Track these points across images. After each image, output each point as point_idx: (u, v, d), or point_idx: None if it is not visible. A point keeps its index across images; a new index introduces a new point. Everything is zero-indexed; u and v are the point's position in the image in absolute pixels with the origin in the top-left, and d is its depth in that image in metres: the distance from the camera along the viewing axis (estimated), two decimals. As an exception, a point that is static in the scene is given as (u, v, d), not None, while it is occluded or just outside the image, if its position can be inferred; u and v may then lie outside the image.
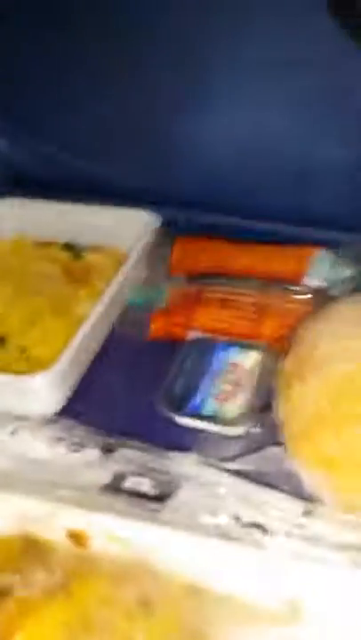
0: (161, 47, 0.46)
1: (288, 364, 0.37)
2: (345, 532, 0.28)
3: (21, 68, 0.51)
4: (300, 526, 0.28)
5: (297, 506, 0.30)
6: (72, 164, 0.55)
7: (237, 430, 0.38)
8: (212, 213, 0.53)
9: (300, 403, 0.33)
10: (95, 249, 0.52)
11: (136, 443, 0.36)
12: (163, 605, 0.25)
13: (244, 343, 0.43)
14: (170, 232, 0.52)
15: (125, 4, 0.45)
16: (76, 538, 0.27)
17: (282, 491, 0.31)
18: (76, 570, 0.27)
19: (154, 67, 0.48)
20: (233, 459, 0.36)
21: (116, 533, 0.27)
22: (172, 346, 0.45)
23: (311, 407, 0.33)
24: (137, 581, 0.26)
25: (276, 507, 0.30)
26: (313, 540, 0.27)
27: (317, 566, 0.25)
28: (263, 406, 0.38)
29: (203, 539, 0.26)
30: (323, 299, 0.43)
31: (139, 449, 0.35)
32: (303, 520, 0.29)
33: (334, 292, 0.44)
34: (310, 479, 0.32)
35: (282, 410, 0.35)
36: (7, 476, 0.32)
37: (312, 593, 0.25)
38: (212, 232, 0.52)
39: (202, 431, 0.39)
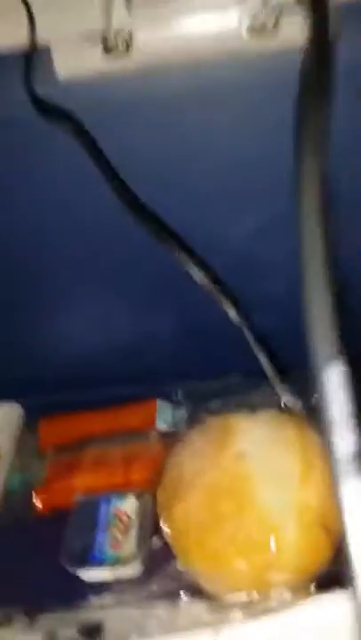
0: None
1: (163, 493, 0.45)
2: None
3: None
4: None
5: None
6: None
7: (136, 567, 0.45)
8: (63, 393, 0.61)
9: (183, 518, 0.42)
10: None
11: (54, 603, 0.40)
12: None
13: (121, 493, 0.51)
14: (30, 416, 0.59)
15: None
16: None
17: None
18: None
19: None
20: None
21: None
22: (60, 514, 0.50)
23: (194, 517, 0.41)
24: None
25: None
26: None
27: None
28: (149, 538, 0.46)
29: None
30: (172, 437, 0.53)
31: (59, 607, 0.40)
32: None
33: (179, 429, 0.54)
34: (204, 576, 0.40)
35: (169, 531, 0.43)
36: None
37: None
38: (65, 408, 0.60)
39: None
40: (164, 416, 0.58)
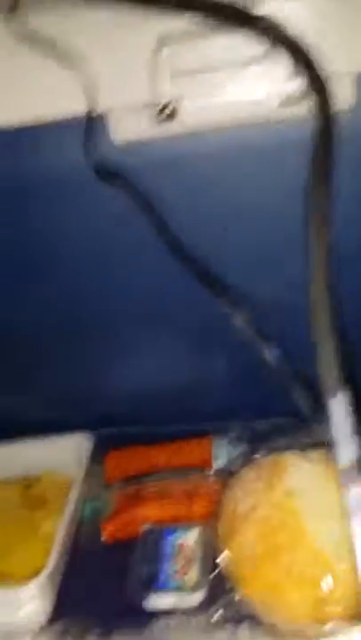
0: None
1: (221, 526, 0.48)
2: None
3: None
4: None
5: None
6: (17, 413, 0.66)
7: (198, 596, 0.47)
8: (127, 427, 0.65)
9: (240, 550, 0.44)
10: (44, 475, 0.62)
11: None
12: None
13: (185, 525, 0.54)
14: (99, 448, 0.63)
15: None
16: None
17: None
18: None
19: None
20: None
21: None
22: (127, 543, 0.54)
23: (250, 550, 0.44)
24: None
25: None
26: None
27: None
28: (212, 570, 0.48)
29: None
30: (228, 473, 0.55)
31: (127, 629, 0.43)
32: None
33: (234, 466, 0.57)
34: (262, 606, 0.42)
35: (228, 562, 0.46)
36: None
37: None
38: (128, 442, 0.64)
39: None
40: (219, 453, 0.61)
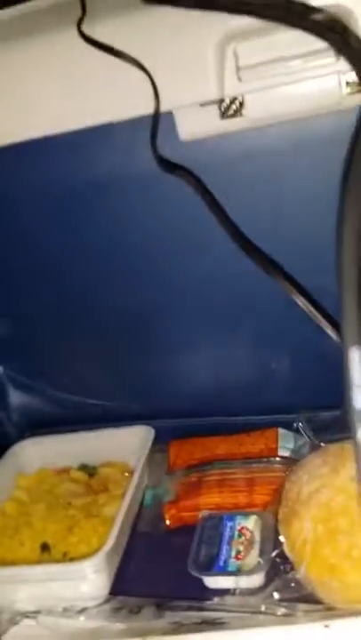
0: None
1: (282, 510, 0.49)
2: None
3: (36, 332, 0.68)
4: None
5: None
6: (80, 404, 0.69)
7: (258, 578, 0.48)
8: (191, 418, 0.67)
9: (301, 532, 0.45)
10: (106, 464, 0.65)
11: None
12: None
13: (245, 512, 0.55)
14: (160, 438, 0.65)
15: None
16: None
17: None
18: None
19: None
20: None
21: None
22: (187, 529, 0.55)
23: (311, 532, 0.44)
24: None
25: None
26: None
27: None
28: (271, 554, 0.49)
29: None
30: (292, 462, 0.56)
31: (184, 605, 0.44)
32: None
33: (298, 456, 0.57)
34: (320, 587, 0.42)
35: (288, 545, 0.46)
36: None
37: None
38: (193, 432, 0.65)
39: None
40: (286, 443, 0.61)
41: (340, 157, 0.46)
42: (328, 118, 0.48)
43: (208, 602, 0.45)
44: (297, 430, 0.61)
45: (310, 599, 0.44)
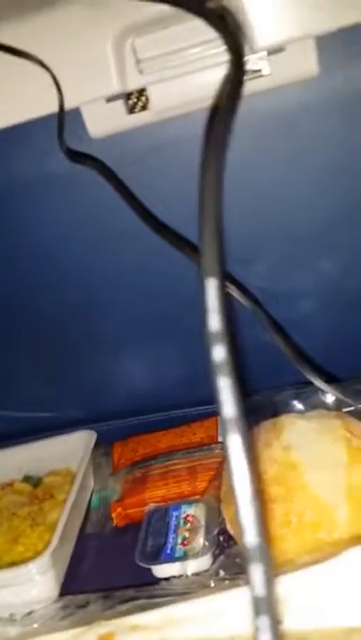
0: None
1: (223, 491, 0.49)
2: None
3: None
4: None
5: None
6: (23, 418, 0.69)
7: (205, 561, 0.48)
8: (134, 417, 0.67)
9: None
10: (51, 472, 0.64)
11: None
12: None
13: (189, 500, 0.55)
14: (106, 441, 0.65)
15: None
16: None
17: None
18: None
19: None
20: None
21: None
22: (134, 526, 0.55)
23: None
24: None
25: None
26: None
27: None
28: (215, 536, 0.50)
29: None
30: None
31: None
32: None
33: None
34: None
35: (229, 521, 0.47)
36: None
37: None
38: (139, 432, 0.66)
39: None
40: (225, 430, 0.62)
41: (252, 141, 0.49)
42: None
43: (155, 586, 0.44)
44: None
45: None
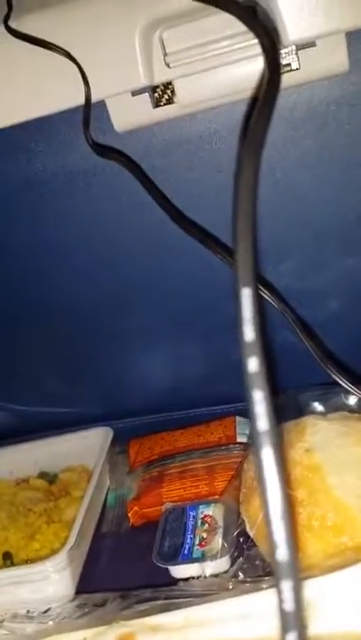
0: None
1: (243, 490, 0.48)
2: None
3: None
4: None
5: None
6: (39, 413, 0.69)
7: (223, 563, 0.48)
8: (151, 416, 0.66)
9: (259, 511, 0.45)
10: (67, 469, 0.63)
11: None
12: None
13: (207, 500, 0.54)
14: (122, 440, 0.65)
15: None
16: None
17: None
18: None
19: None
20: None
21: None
22: (151, 525, 0.54)
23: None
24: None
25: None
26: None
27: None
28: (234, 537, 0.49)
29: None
30: (249, 448, 0.56)
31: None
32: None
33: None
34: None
35: (249, 524, 0.46)
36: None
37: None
38: (155, 430, 0.65)
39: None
40: (244, 430, 0.61)
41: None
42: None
43: (174, 587, 0.44)
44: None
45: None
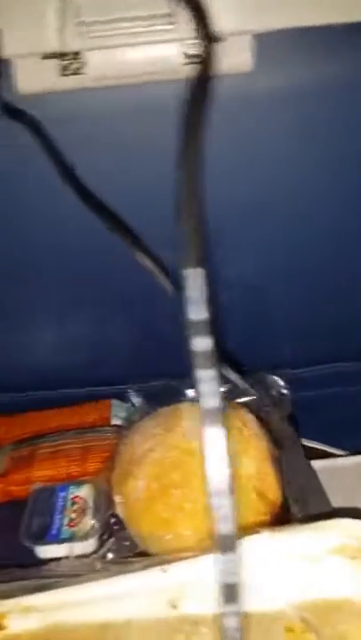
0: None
1: (116, 472, 0.49)
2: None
3: None
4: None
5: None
6: None
7: (91, 543, 0.48)
8: (20, 393, 0.64)
9: (134, 491, 0.46)
10: None
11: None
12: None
13: (77, 481, 0.54)
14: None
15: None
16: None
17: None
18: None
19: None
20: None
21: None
22: (16, 504, 0.53)
23: (144, 490, 0.45)
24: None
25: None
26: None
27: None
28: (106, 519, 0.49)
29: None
30: (126, 429, 0.56)
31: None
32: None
33: (132, 423, 0.58)
34: (154, 541, 0.43)
35: (122, 505, 0.47)
36: None
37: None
38: (23, 407, 0.63)
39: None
40: (118, 412, 0.61)
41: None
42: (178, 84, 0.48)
43: (44, 567, 0.43)
44: (130, 401, 0.62)
45: (144, 556, 0.44)
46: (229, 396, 0.57)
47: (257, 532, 0.35)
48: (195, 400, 0.55)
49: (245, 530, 0.38)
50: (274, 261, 0.59)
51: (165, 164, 0.51)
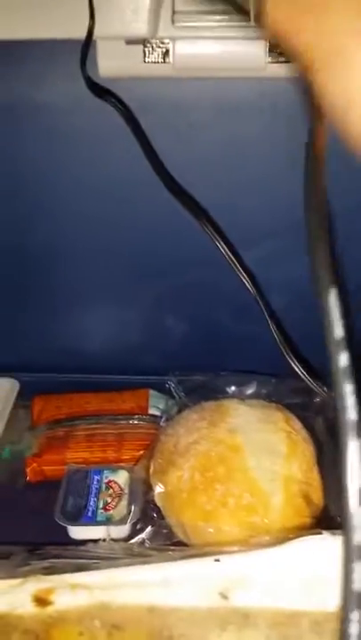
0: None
1: (157, 462, 0.49)
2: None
3: None
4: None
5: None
6: None
7: (126, 529, 0.48)
8: (59, 374, 0.64)
9: (177, 482, 0.46)
10: None
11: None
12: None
13: (113, 467, 0.54)
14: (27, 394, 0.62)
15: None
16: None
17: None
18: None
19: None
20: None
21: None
22: (49, 484, 0.53)
23: (187, 482, 0.45)
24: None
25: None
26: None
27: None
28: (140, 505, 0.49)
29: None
30: (163, 420, 0.56)
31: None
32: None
33: (169, 414, 0.58)
34: (193, 533, 0.43)
35: (162, 494, 0.47)
36: None
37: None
38: (61, 389, 0.63)
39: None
40: (156, 403, 0.61)
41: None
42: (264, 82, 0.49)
43: (80, 547, 0.43)
44: (168, 392, 0.62)
45: (180, 545, 0.44)
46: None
47: (319, 533, 0.35)
48: (239, 397, 0.55)
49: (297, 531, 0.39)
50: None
51: (243, 160, 0.52)
